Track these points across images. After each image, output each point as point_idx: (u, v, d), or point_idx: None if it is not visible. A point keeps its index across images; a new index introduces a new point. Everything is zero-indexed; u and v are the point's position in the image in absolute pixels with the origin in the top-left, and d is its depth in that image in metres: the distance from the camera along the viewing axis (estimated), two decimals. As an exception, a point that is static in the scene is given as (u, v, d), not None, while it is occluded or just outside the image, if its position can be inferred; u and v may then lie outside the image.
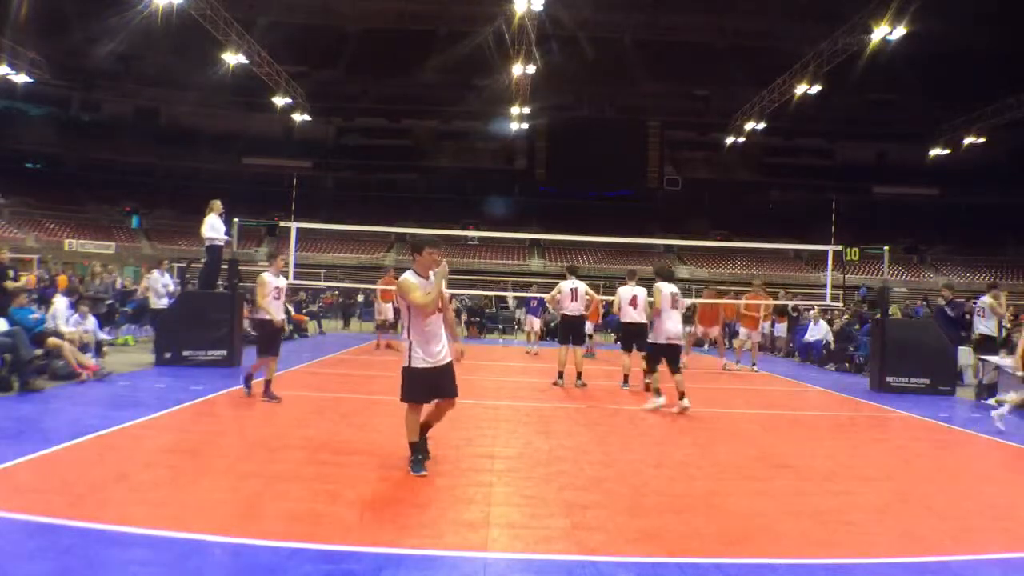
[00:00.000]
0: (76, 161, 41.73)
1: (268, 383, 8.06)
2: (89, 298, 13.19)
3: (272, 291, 8.15)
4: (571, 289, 10.49)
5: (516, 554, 3.74)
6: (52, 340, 8.80)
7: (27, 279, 13.58)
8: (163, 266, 13.72)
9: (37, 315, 9.48)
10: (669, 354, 8.77)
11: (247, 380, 8.26)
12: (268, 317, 8.16)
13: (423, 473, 5.08)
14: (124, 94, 42.44)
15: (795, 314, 18.64)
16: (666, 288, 8.78)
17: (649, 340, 9.20)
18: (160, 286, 13.09)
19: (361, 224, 29.90)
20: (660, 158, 44.33)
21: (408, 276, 5.17)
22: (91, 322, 10.97)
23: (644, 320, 10.28)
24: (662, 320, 8.71)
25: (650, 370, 9.02)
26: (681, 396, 8.36)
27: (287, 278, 9.13)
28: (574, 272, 10.95)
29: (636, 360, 10.31)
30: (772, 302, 15.35)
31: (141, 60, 41.10)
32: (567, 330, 10.65)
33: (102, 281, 16.24)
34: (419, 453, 5.22)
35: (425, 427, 5.42)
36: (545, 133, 43.79)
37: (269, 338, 8.19)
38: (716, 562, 3.69)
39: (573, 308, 10.51)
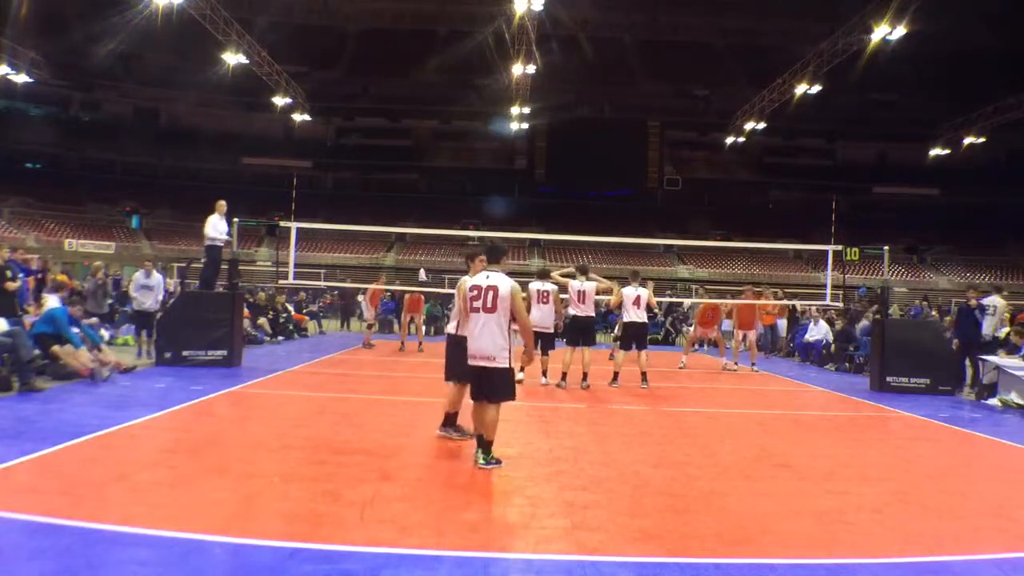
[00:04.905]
0: (76, 161, 41.67)
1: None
2: (86, 297, 13.18)
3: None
4: (578, 291, 10.42)
5: (516, 554, 3.74)
6: (56, 349, 8.77)
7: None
8: (146, 267, 13.58)
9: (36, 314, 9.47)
10: (542, 339, 10.23)
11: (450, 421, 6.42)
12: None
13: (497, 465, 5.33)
14: (124, 94, 42.36)
15: (797, 314, 18.63)
16: (532, 286, 10.34)
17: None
18: (139, 286, 12.87)
19: (361, 224, 29.79)
20: (660, 158, 44.24)
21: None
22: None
23: (645, 320, 10.77)
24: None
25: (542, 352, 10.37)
26: (544, 373, 10.27)
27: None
28: (584, 273, 10.68)
29: (630, 359, 10.52)
30: (763, 302, 15.38)
31: (141, 60, 41.04)
32: (577, 332, 10.56)
33: (101, 281, 16.16)
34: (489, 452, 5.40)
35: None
36: (545, 133, 43.68)
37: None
38: (716, 562, 3.69)
39: (583, 310, 10.47)
